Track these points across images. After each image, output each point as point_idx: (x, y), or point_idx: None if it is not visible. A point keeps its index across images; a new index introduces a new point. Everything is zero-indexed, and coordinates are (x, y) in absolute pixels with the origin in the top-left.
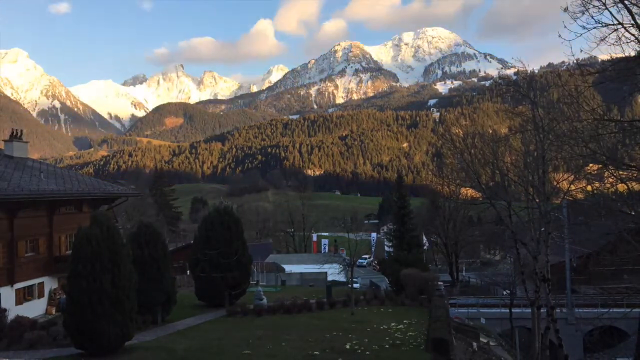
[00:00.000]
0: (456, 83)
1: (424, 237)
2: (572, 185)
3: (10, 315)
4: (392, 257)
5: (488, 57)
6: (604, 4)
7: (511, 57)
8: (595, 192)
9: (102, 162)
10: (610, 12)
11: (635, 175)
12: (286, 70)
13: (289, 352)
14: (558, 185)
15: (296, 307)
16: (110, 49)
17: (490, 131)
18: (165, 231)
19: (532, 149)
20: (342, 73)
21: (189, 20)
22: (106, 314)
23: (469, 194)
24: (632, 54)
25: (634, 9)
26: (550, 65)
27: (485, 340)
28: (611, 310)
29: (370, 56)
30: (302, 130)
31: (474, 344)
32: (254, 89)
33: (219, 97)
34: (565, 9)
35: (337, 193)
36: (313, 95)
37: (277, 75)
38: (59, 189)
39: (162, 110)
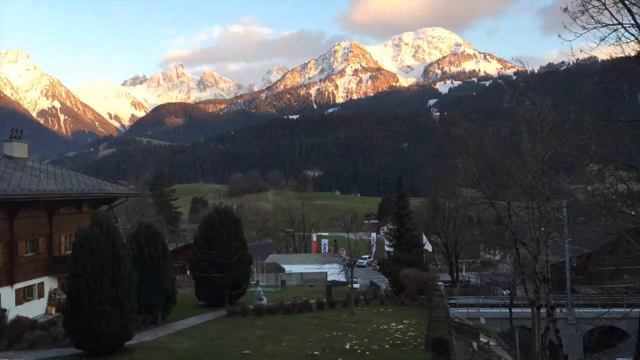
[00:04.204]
0: (456, 83)
1: (424, 237)
2: (572, 185)
3: (10, 315)
4: (392, 257)
5: (488, 57)
6: (604, 4)
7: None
8: (595, 192)
9: (102, 162)
10: (610, 12)
11: (635, 175)
12: (286, 70)
13: (289, 352)
14: (558, 185)
15: (296, 307)
16: (110, 48)
17: (490, 131)
18: (165, 231)
19: (532, 149)
20: (342, 73)
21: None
22: (106, 314)
23: (469, 194)
24: (632, 54)
25: (634, 9)
26: (550, 65)
27: (485, 340)
28: (611, 310)
29: (370, 56)
30: (302, 130)
31: (474, 344)
32: (254, 89)
33: (219, 97)
34: (565, 9)
35: (337, 193)
36: (313, 95)
37: (277, 75)
38: (59, 189)
39: (162, 110)
